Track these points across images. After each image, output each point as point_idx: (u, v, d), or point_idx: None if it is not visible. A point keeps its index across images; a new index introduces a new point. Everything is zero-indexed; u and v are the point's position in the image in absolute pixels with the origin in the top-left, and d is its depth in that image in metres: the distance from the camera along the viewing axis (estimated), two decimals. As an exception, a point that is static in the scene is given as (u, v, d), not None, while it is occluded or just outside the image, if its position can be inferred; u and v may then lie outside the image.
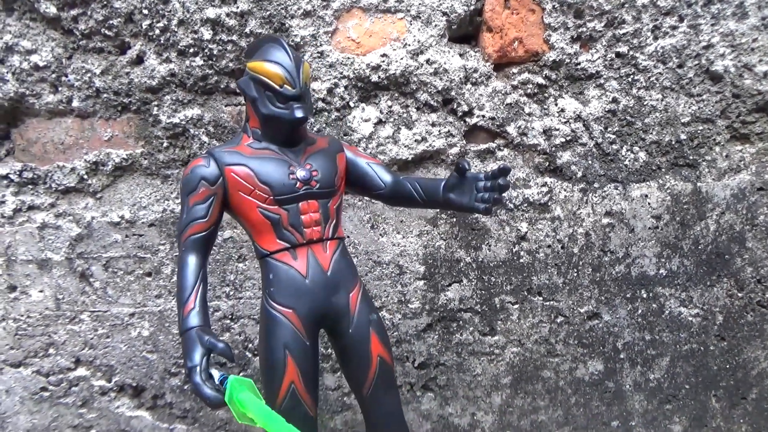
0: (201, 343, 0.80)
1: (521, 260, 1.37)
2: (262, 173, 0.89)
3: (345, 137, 1.30)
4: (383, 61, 1.26)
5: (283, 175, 0.90)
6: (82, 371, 1.36)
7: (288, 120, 0.88)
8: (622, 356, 1.42)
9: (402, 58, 1.26)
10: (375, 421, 0.97)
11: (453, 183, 0.92)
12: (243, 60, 0.91)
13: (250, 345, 1.38)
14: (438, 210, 1.35)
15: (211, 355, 0.81)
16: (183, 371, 1.38)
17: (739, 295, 1.40)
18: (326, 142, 0.99)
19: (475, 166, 1.35)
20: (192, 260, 0.88)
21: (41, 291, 1.32)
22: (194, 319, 0.83)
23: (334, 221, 0.95)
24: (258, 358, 1.17)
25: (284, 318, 0.89)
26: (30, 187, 1.29)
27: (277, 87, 0.86)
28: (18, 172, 1.27)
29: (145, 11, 1.19)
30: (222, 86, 1.26)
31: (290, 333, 0.89)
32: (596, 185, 1.36)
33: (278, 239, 0.90)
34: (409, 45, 1.26)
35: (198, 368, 0.79)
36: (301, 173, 0.91)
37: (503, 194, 0.83)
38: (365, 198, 1.33)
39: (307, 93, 0.90)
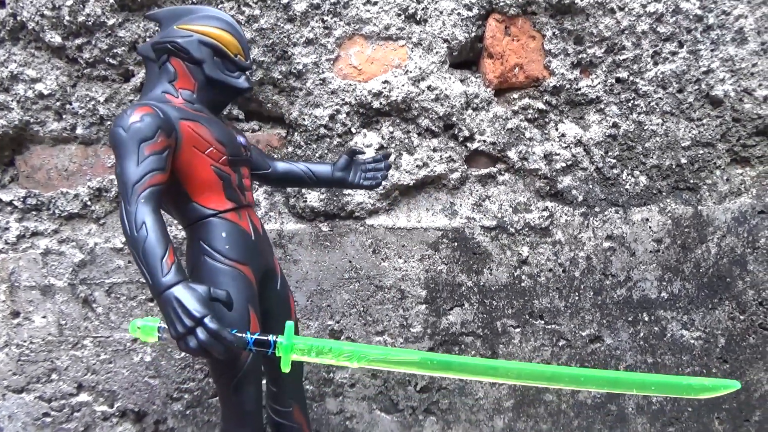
0: (202, 292, 0.71)
1: (523, 284, 1.38)
2: (216, 132, 0.88)
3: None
4: (385, 88, 1.27)
5: (231, 137, 0.92)
6: (84, 397, 1.37)
7: (237, 88, 0.93)
8: (624, 379, 1.42)
9: (403, 85, 1.27)
10: (282, 382, 1.02)
11: (343, 165, 1.10)
12: (168, 22, 0.91)
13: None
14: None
15: None
16: (184, 395, 1.38)
17: (741, 317, 1.40)
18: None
19: (476, 191, 1.35)
20: (157, 213, 0.74)
21: (44, 317, 1.33)
22: (180, 273, 0.71)
23: None
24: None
25: (242, 273, 0.87)
26: (34, 213, 1.29)
27: (231, 54, 0.91)
28: (22, 199, 1.28)
29: (149, 40, 1.20)
30: (225, 113, 1.27)
31: (250, 288, 0.87)
32: (597, 209, 1.36)
33: (227, 199, 0.89)
34: (411, 71, 1.27)
35: (210, 315, 0.69)
36: (241, 139, 0.96)
37: (385, 174, 1.13)
38: (367, 223, 1.34)
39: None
